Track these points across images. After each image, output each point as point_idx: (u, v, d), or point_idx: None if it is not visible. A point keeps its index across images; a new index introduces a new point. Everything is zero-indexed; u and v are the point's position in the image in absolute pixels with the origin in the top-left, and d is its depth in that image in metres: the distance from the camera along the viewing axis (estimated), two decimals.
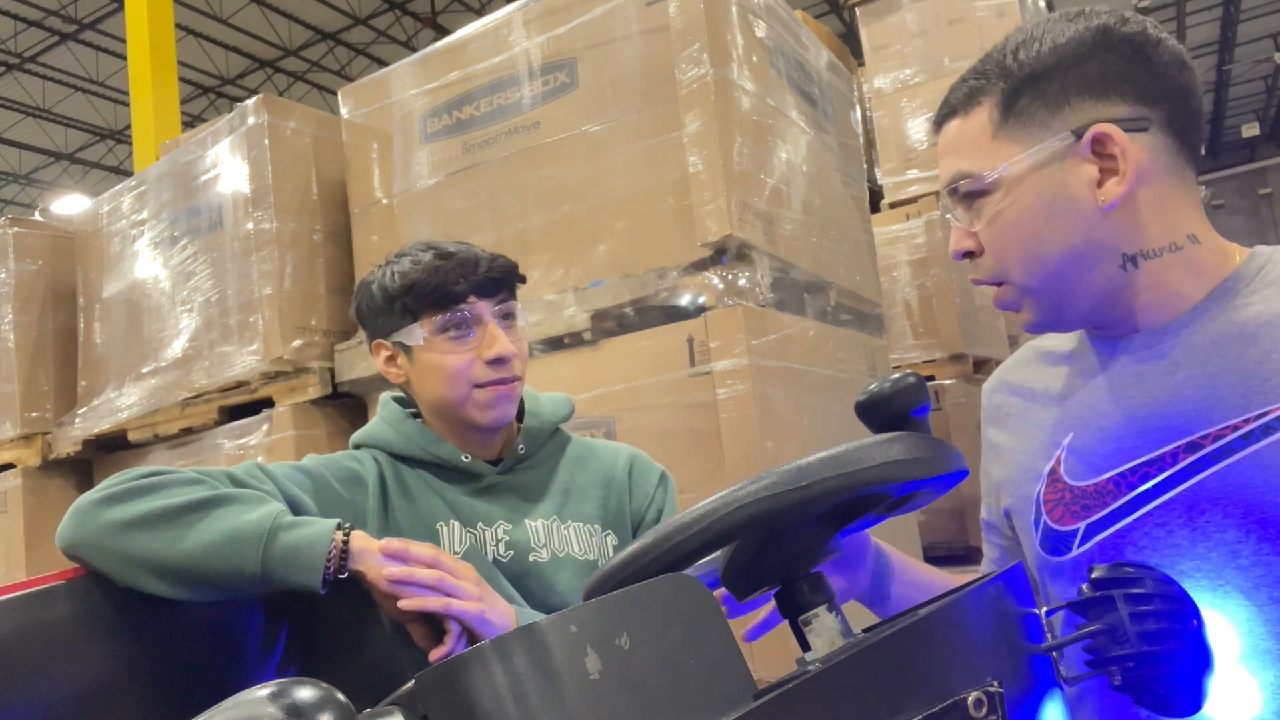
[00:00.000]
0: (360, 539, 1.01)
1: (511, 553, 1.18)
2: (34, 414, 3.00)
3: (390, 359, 1.24)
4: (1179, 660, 0.72)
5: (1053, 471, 0.94)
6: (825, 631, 0.67)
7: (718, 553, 0.73)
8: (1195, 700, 0.72)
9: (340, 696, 0.46)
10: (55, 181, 16.01)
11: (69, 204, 13.93)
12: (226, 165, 2.56)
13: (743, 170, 1.93)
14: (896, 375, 0.73)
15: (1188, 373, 0.86)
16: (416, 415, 1.27)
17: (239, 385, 2.49)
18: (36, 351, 3.05)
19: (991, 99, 0.89)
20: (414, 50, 7.54)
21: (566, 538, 1.22)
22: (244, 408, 2.54)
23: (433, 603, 0.98)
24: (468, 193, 2.21)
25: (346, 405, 2.49)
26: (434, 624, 1.00)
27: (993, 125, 0.89)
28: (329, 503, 1.15)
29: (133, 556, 0.99)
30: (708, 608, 0.58)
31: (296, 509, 1.10)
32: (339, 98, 2.53)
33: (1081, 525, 0.90)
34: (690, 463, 1.77)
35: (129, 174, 12.17)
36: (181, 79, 9.30)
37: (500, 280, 1.21)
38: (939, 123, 0.95)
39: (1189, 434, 0.84)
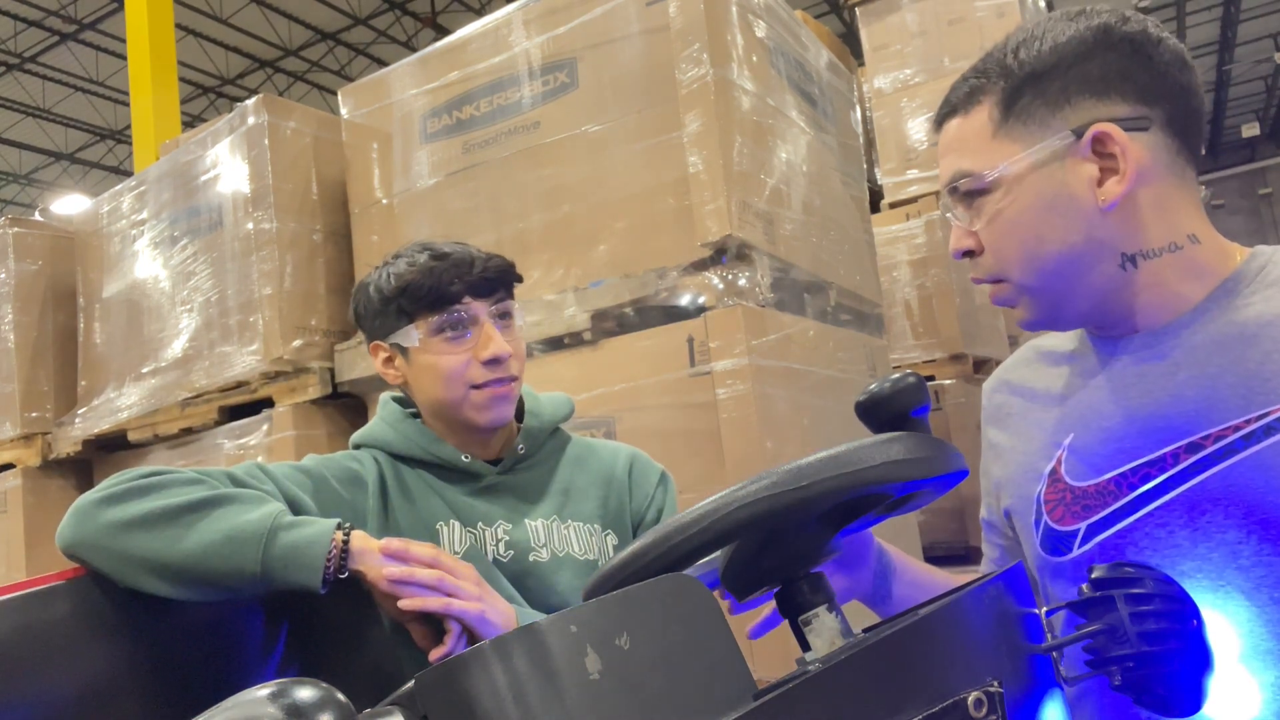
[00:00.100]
0: (360, 539, 1.01)
1: (511, 552, 1.18)
2: (34, 414, 3.00)
3: (388, 360, 1.25)
4: (1179, 660, 0.72)
5: (1053, 472, 0.94)
6: (825, 631, 0.67)
7: (718, 553, 0.73)
8: (1195, 700, 0.72)
9: (340, 696, 0.46)
10: (55, 181, 16.01)
11: (69, 204, 13.93)
12: (226, 165, 2.56)
13: (743, 170, 1.93)
14: (896, 375, 0.73)
15: (1189, 373, 0.86)
16: (416, 415, 1.27)
17: (239, 385, 2.49)
18: (36, 351, 3.05)
19: (992, 98, 0.89)
20: (414, 50, 7.54)
21: (566, 537, 1.22)
22: (244, 408, 2.54)
23: (433, 603, 0.98)
24: (468, 193, 2.21)
25: (346, 405, 2.49)
26: (434, 624, 1.00)
27: (993, 124, 0.89)
28: (329, 503, 1.15)
29: (133, 556, 0.99)
30: (708, 608, 0.58)
31: (296, 509, 1.10)
32: (339, 98, 2.53)
33: (1082, 525, 0.89)
34: (690, 463, 1.77)
35: (129, 174, 12.17)
36: (181, 79, 9.30)
37: (496, 280, 1.21)
38: (939, 122, 0.95)
39: (1190, 434, 0.84)
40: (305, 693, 0.45)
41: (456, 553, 1.15)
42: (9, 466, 3.04)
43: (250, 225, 2.46)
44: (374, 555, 1.00)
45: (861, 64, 4.46)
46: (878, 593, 1.03)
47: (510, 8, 2.19)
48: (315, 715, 0.44)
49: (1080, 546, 0.89)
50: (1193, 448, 0.83)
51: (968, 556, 3.12)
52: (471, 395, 1.19)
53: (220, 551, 0.98)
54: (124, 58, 8.36)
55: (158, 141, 6.93)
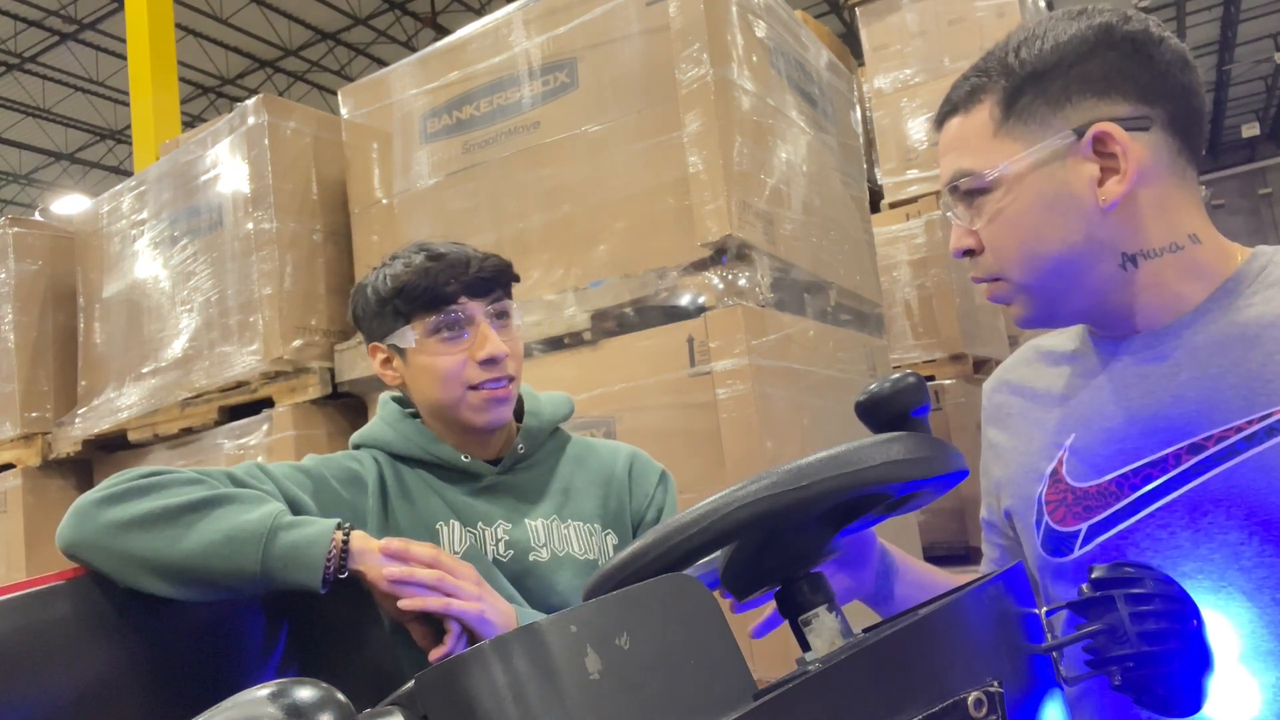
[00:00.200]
0: (360, 539, 1.01)
1: (511, 552, 1.18)
2: (34, 414, 3.00)
3: (386, 362, 1.25)
4: (1179, 660, 0.71)
5: (1054, 472, 0.94)
6: (825, 631, 0.67)
7: (718, 553, 0.73)
8: (1195, 700, 0.72)
9: (340, 696, 0.46)
10: (55, 181, 16.01)
11: (69, 204, 13.93)
12: (226, 165, 2.56)
13: (743, 170, 1.93)
14: (896, 375, 0.73)
15: (1190, 374, 0.86)
16: (416, 415, 1.27)
17: (239, 385, 2.49)
18: (36, 351, 3.05)
19: (993, 97, 0.89)
20: (414, 50, 7.54)
21: (566, 537, 1.22)
22: (244, 408, 2.53)
23: (433, 602, 0.98)
24: (468, 193, 2.21)
25: (346, 405, 2.49)
26: (434, 624, 1.00)
27: (994, 123, 0.89)
28: (329, 503, 1.15)
29: (133, 556, 0.99)
30: (708, 608, 0.58)
31: (296, 509, 1.10)
32: (339, 98, 2.53)
33: (1083, 526, 0.89)
34: (690, 463, 1.77)
35: (129, 174, 12.17)
36: (181, 79, 9.30)
37: (491, 280, 1.21)
38: (940, 121, 0.95)
39: (1191, 435, 0.83)
40: (305, 693, 0.45)
41: (456, 553, 1.15)
42: (9, 466, 3.04)
43: (250, 225, 2.46)
44: (374, 555, 1.00)
45: (861, 64, 4.46)
46: (879, 593, 1.03)
47: (510, 8, 2.19)
48: (315, 715, 0.44)
49: (1081, 547, 0.89)
50: (1194, 449, 0.83)
51: (968, 556, 3.12)
52: (469, 397, 1.19)
53: (220, 551, 0.98)
54: (124, 58, 8.36)
55: (158, 141, 6.93)
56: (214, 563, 0.98)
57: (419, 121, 2.31)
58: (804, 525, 0.69)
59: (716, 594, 0.74)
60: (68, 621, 0.99)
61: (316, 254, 2.50)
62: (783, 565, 0.70)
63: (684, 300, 1.89)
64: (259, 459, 1.54)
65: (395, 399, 1.31)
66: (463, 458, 1.22)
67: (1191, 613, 0.74)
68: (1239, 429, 0.81)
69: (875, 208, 3.99)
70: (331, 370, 2.43)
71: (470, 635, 0.99)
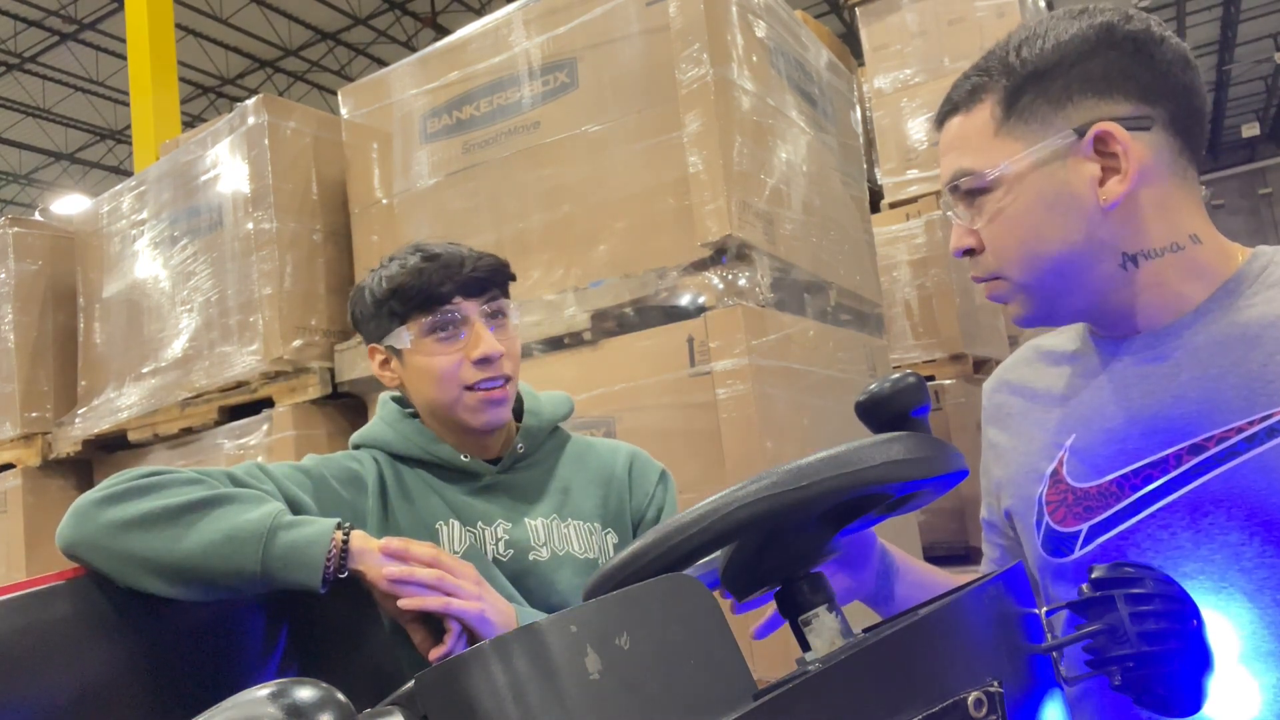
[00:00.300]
0: (360, 538, 1.01)
1: (511, 551, 1.18)
2: (34, 414, 3.00)
3: (384, 363, 1.25)
4: (1179, 660, 0.71)
5: (1055, 472, 0.94)
6: (825, 631, 0.67)
7: (718, 553, 0.73)
8: (1195, 700, 0.72)
9: (340, 696, 0.46)
10: (55, 181, 16.01)
11: (69, 204, 13.93)
12: (226, 165, 2.56)
13: (743, 170, 1.92)
14: (896, 375, 0.73)
15: (1191, 374, 0.85)
16: (415, 415, 1.27)
17: (239, 385, 2.49)
18: (36, 351, 3.05)
19: (994, 96, 0.89)
20: (414, 50, 7.54)
21: (566, 536, 1.22)
22: (244, 408, 2.53)
23: (432, 602, 0.98)
24: (468, 193, 2.21)
25: (346, 405, 2.49)
26: (434, 625, 1.00)
27: (995, 122, 0.89)
28: (329, 503, 1.15)
29: (133, 556, 0.98)
30: (708, 608, 0.58)
31: (296, 509, 1.10)
32: (339, 98, 2.53)
33: (1084, 527, 0.89)
34: (690, 463, 1.77)
35: (129, 174, 12.17)
36: (181, 79, 9.30)
37: (486, 279, 1.21)
38: (941, 120, 0.95)
39: (1192, 436, 0.83)
40: (305, 693, 0.45)
41: (456, 552, 1.15)
42: (9, 466, 3.04)
43: (250, 225, 2.46)
44: (374, 555, 1.00)
45: (861, 64, 4.46)
46: (880, 593, 1.03)
47: (510, 8, 2.19)
48: (315, 715, 0.44)
49: (1082, 548, 0.89)
50: (1195, 449, 0.83)
51: (968, 556, 3.12)
52: (465, 398, 1.19)
53: (220, 551, 0.98)
54: (124, 58, 8.36)
55: (158, 141, 6.93)
56: (214, 562, 0.98)
57: (419, 121, 2.31)
58: (804, 525, 0.69)
59: (716, 594, 0.75)
60: (68, 621, 0.99)
61: (316, 254, 2.50)
62: (783, 565, 0.70)
63: (684, 300, 1.89)
64: (259, 459, 1.54)
65: (395, 399, 1.31)
66: (462, 457, 1.22)
67: (1191, 613, 0.74)
68: (1240, 429, 0.81)
69: (875, 208, 3.99)
70: (331, 370, 2.43)
71: (470, 635, 0.99)
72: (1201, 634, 0.73)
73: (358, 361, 2.35)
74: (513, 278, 1.26)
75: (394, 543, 1.01)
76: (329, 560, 0.99)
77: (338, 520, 1.03)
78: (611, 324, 1.99)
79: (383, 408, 1.30)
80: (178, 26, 9.56)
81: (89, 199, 4.77)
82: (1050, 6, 5.28)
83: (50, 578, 1.00)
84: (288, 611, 1.15)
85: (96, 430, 2.80)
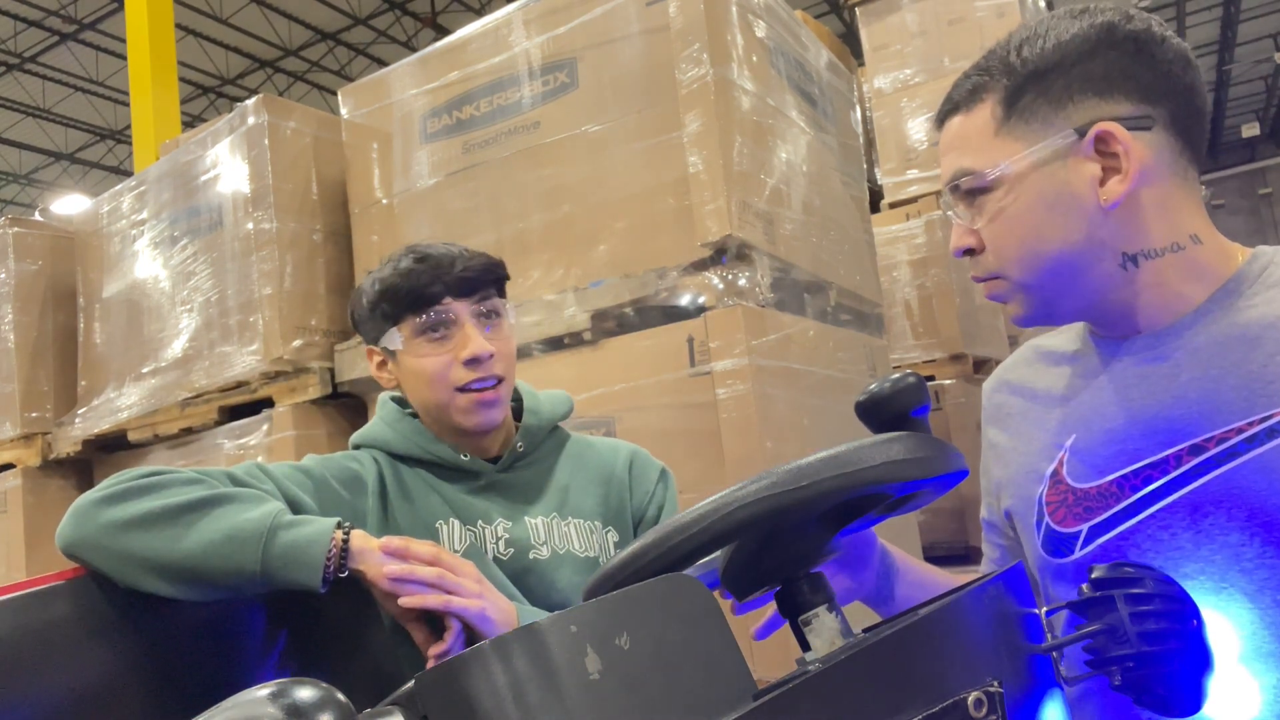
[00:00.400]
0: (360, 538, 1.01)
1: (511, 550, 1.18)
2: (34, 414, 3.00)
3: (381, 364, 1.26)
4: (1179, 660, 0.71)
5: (1055, 473, 0.94)
6: (825, 631, 0.67)
7: (718, 553, 0.73)
8: (1195, 700, 0.72)
9: (340, 696, 0.46)
10: (55, 181, 16.01)
11: (69, 204, 13.93)
12: (226, 165, 2.56)
13: (743, 170, 1.92)
14: (896, 375, 0.73)
15: (1191, 375, 0.85)
16: (415, 415, 1.27)
17: (239, 385, 2.49)
18: (36, 351, 3.05)
19: (994, 96, 0.89)
20: (414, 50, 7.54)
21: (567, 534, 1.22)
22: (244, 408, 2.53)
23: (433, 600, 0.98)
24: (468, 193, 2.21)
25: (346, 405, 2.49)
26: (434, 625, 1.00)
27: (995, 122, 0.89)
28: (329, 503, 1.15)
29: (132, 556, 0.98)
30: (708, 608, 0.58)
31: (296, 509, 1.10)
32: (339, 98, 2.53)
33: (1084, 527, 0.89)
34: (690, 463, 1.77)
35: (129, 174, 12.17)
36: (181, 79, 9.30)
37: (476, 279, 1.20)
38: (941, 119, 0.95)
39: (1192, 436, 0.83)
40: (305, 693, 0.45)
41: (456, 551, 1.15)
42: (9, 466, 3.04)
43: (250, 225, 2.46)
44: (374, 554, 1.00)
45: (861, 64, 4.45)
46: (880, 594, 1.03)
47: (510, 8, 2.19)
48: (315, 715, 0.44)
49: (1082, 548, 0.89)
50: (1195, 450, 0.83)
51: (968, 556, 3.12)
52: (457, 399, 1.19)
53: (220, 551, 0.98)
54: (124, 58, 8.36)
55: (158, 141, 6.93)
56: (214, 562, 0.98)
57: (419, 121, 2.31)
58: (804, 525, 0.69)
59: (716, 594, 0.75)
60: (68, 621, 0.99)
61: (316, 254, 2.50)
62: (783, 565, 0.70)
63: (684, 300, 1.89)
64: (259, 459, 1.54)
65: (394, 399, 1.31)
66: (462, 456, 1.22)
67: (1191, 613, 0.74)
68: (1240, 430, 0.81)
69: (875, 208, 3.99)
70: (331, 370, 2.43)
71: (470, 634, 0.99)
72: (1201, 634, 0.73)
73: (358, 361, 2.35)
74: (506, 277, 1.26)
75: (394, 541, 1.01)
76: (329, 559, 0.99)
77: (338, 520, 1.03)
78: (611, 324, 1.99)
79: (382, 408, 1.30)
80: (178, 26, 9.56)
81: (89, 199, 4.77)
82: (1050, 6, 5.28)
83: (50, 578, 1.00)
84: (288, 611, 1.15)
85: (96, 430, 2.80)
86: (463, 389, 1.19)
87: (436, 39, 4.86)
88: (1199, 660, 0.72)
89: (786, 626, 0.71)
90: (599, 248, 2.01)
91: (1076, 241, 0.87)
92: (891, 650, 0.55)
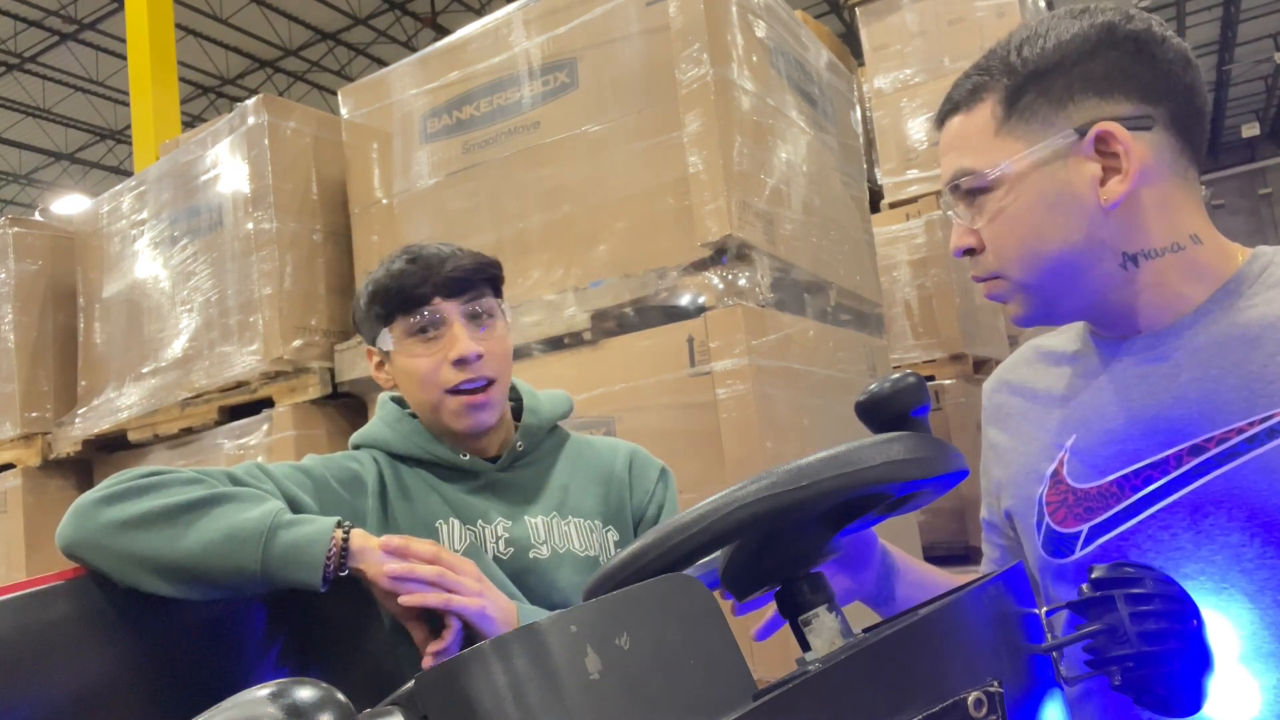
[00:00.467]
0: (360, 537, 1.01)
1: (511, 549, 1.18)
2: (34, 414, 3.00)
3: (379, 365, 1.27)
4: (1179, 660, 0.71)
5: (1055, 473, 0.94)
6: (825, 631, 0.67)
7: (718, 553, 0.73)
8: (1195, 700, 0.72)
9: (340, 696, 0.46)
10: (55, 181, 16.01)
11: (69, 204, 13.93)
12: (226, 165, 2.56)
13: (743, 170, 1.92)
14: (896, 375, 0.72)
15: (1191, 375, 0.85)
16: (415, 415, 1.27)
17: (239, 385, 2.49)
18: (36, 351, 3.05)
19: (995, 95, 0.89)
20: (414, 50, 7.54)
21: (567, 534, 1.22)
22: (244, 408, 2.53)
23: (433, 598, 0.98)
24: (468, 193, 2.21)
25: (346, 405, 2.49)
26: (433, 625, 1.00)
27: (996, 122, 0.89)
28: (329, 503, 1.15)
29: (133, 555, 0.98)
30: (708, 608, 0.58)
31: (296, 509, 1.10)
32: (339, 98, 2.53)
33: (1084, 527, 0.89)
34: (690, 463, 1.77)
35: (129, 174, 12.17)
36: (181, 79, 9.30)
37: (465, 279, 1.20)
38: (941, 119, 0.95)
39: (1193, 437, 0.83)
40: (305, 693, 0.45)
41: (456, 550, 1.15)
42: (9, 466, 3.04)
43: (250, 225, 2.46)
44: (374, 553, 1.00)
45: (861, 64, 4.46)
46: (881, 594, 1.03)
47: (510, 8, 2.19)
48: (315, 715, 0.44)
49: (1083, 549, 0.89)
50: (1195, 450, 0.83)
51: (968, 556, 3.12)
52: (447, 402, 1.19)
53: (220, 550, 0.98)
54: (124, 58, 8.36)
55: (158, 141, 6.93)
56: (214, 561, 0.98)
57: (419, 121, 2.31)
58: (804, 525, 0.69)
59: (717, 594, 0.75)
60: (68, 621, 0.99)
61: (316, 254, 2.50)
62: (783, 565, 0.70)
63: (684, 300, 1.89)
64: (259, 459, 1.54)
65: (394, 399, 1.31)
66: (461, 456, 1.22)
67: (1191, 613, 0.74)
68: (1240, 430, 0.81)
69: (875, 208, 3.99)
70: (331, 370, 2.43)
71: (470, 633, 0.99)
72: (1201, 634, 0.73)
73: (358, 361, 2.35)
74: (500, 276, 1.26)
75: (394, 540, 1.01)
76: (329, 558, 0.99)
77: (338, 519, 1.02)
78: (611, 324, 1.99)
79: (382, 408, 1.30)
80: (178, 26, 9.57)
81: (89, 199, 4.77)
82: (1051, 6, 5.28)
83: (50, 578, 1.00)
84: (288, 611, 1.15)
85: (96, 430, 2.80)
86: (453, 391, 1.18)
87: (436, 39, 4.86)
88: (1199, 660, 0.72)
89: (786, 626, 0.71)
90: (599, 248, 2.01)
91: (1077, 241, 0.87)
92: (891, 650, 0.55)
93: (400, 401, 1.30)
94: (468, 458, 1.23)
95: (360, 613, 1.11)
